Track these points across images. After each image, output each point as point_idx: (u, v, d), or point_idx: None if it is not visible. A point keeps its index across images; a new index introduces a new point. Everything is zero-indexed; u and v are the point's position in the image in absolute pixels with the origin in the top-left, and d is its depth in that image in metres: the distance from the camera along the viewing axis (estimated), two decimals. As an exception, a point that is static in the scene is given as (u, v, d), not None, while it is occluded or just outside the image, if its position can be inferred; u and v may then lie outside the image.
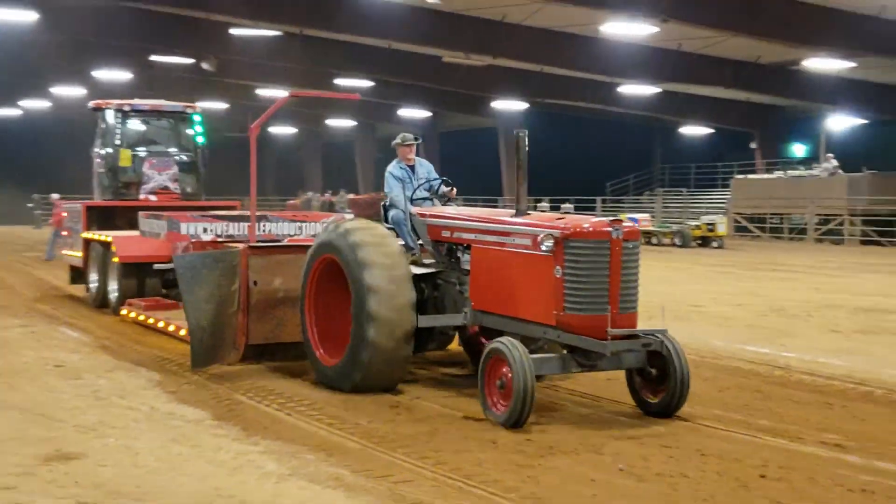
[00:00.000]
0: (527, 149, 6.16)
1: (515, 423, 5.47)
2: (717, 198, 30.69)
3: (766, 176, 28.08)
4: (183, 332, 7.97)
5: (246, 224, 8.94)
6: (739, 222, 26.55)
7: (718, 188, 31.90)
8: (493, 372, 5.73)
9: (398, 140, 7.71)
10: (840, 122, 29.48)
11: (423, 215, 7.12)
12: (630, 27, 19.13)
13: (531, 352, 5.77)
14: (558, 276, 5.69)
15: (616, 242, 5.68)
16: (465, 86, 28.87)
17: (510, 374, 5.49)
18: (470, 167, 34.50)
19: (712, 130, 34.58)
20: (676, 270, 16.97)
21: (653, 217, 26.87)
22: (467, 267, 6.64)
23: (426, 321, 6.58)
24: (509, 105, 31.98)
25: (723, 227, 23.13)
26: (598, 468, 4.77)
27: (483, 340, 6.96)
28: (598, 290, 5.64)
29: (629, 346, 5.70)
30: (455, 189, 7.69)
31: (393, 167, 7.53)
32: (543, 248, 5.69)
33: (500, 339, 5.78)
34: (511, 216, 6.39)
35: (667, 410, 5.85)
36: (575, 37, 21.60)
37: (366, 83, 29.96)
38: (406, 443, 5.22)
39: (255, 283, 7.32)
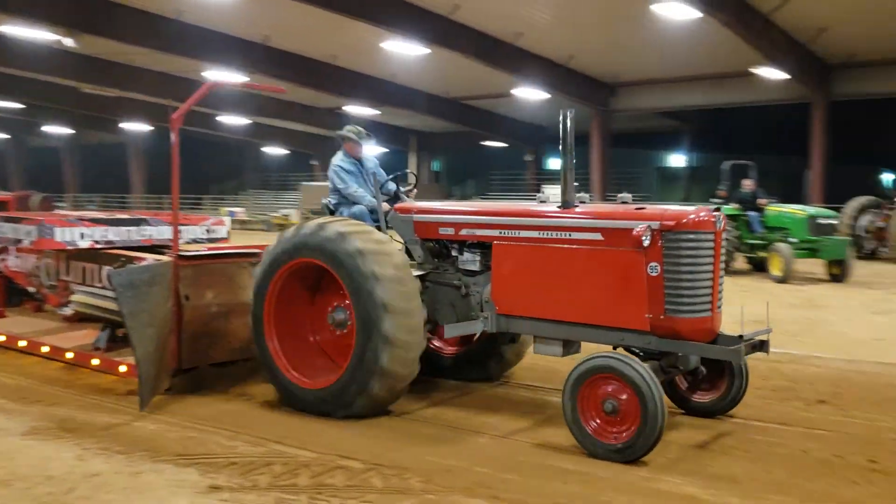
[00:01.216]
0: (570, 131, 5.32)
1: (644, 453, 4.64)
2: (290, 197, 41.23)
3: (323, 183, 39.29)
4: (96, 362, 6.61)
5: (126, 229, 7.72)
6: (308, 216, 37.28)
7: (291, 190, 42.69)
8: (595, 393, 4.80)
9: (348, 133, 6.79)
10: (372, 150, 43.35)
11: (406, 210, 6.16)
12: (228, 76, 26.20)
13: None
14: (654, 275, 4.92)
15: (718, 234, 5.03)
16: (100, 110, 36.28)
17: (631, 396, 4.63)
18: (107, 174, 47.72)
19: (287, 151, 45.95)
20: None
21: (246, 210, 37.86)
22: (470, 267, 5.88)
23: (452, 330, 5.60)
24: (137, 126, 40.09)
25: (296, 218, 33.07)
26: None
27: (435, 346, 6.64)
28: (704, 289, 4.96)
29: (747, 350, 5.05)
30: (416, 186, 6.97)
31: (341, 161, 6.72)
32: (645, 242, 4.83)
33: (603, 353, 4.88)
34: (557, 208, 5.46)
35: (719, 409, 5.54)
36: (185, 80, 29.21)
37: (17, 105, 37.05)
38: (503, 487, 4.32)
39: (186, 297, 6.17)
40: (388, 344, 5.32)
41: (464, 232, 5.88)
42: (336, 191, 6.75)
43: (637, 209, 5.25)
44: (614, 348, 5.25)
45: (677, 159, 43.76)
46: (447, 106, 32.95)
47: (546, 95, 26.87)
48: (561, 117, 5.37)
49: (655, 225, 4.96)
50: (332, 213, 6.75)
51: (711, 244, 5.03)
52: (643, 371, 4.65)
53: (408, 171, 7.11)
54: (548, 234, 5.43)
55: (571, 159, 5.40)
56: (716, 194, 16.32)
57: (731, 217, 15.11)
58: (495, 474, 4.54)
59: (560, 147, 5.42)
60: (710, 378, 5.58)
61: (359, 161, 6.88)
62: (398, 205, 6.41)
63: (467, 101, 33.04)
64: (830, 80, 23.96)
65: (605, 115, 28.98)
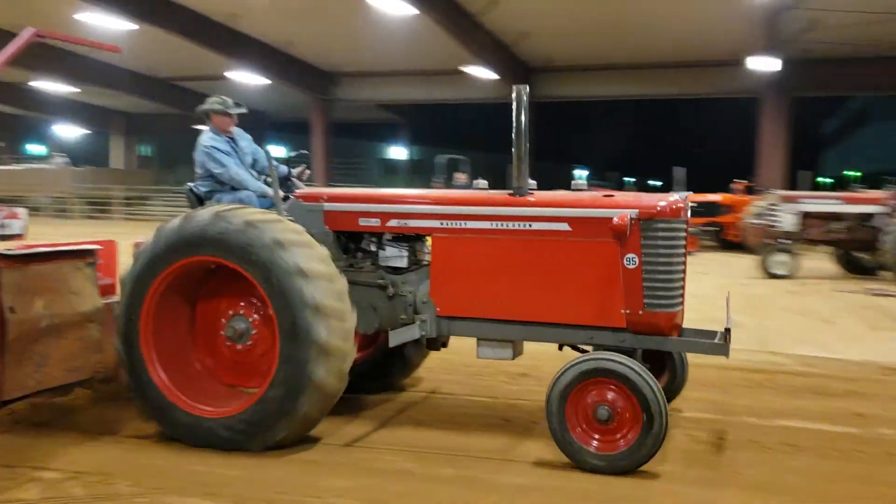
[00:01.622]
0: (525, 111, 4.77)
1: (647, 460, 4.31)
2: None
3: (13, 167, 34.74)
4: None
5: None
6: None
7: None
8: (584, 399, 4.40)
9: (216, 106, 5.81)
10: (69, 131, 39.11)
11: (312, 198, 5.26)
12: None
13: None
14: (632, 267, 4.55)
15: (687, 223, 4.79)
16: None
17: (630, 400, 4.28)
18: None
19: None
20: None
21: None
22: (395, 263, 5.16)
23: (396, 337, 4.84)
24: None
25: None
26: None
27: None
28: (679, 280, 4.68)
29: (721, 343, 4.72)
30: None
31: (213, 140, 5.72)
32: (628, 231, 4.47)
33: (598, 354, 4.47)
34: (510, 196, 4.90)
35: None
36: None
37: None
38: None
39: (11, 310, 4.75)
40: (323, 353, 4.48)
41: (393, 223, 5.09)
42: (209, 176, 5.72)
43: (605, 196, 4.88)
44: (569, 348, 5.00)
45: (398, 151, 45.01)
46: (156, 86, 30.90)
47: (265, 80, 26.14)
48: (514, 95, 4.72)
49: (634, 213, 4.56)
50: (201, 201, 5.70)
51: (685, 233, 4.75)
52: (643, 372, 4.29)
53: (302, 151, 6.23)
54: (502, 224, 4.83)
55: (525, 143, 4.82)
56: (431, 186, 17.00)
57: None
58: (213, 471, 4.35)
59: (513, 129, 4.77)
60: (654, 365, 5.13)
61: (231, 139, 5.90)
62: (300, 191, 5.47)
63: (179, 81, 31.22)
64: (532, 82, 26.01)
65: (326, 104, 28.96)
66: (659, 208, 4.60)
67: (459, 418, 5.39)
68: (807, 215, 14.65)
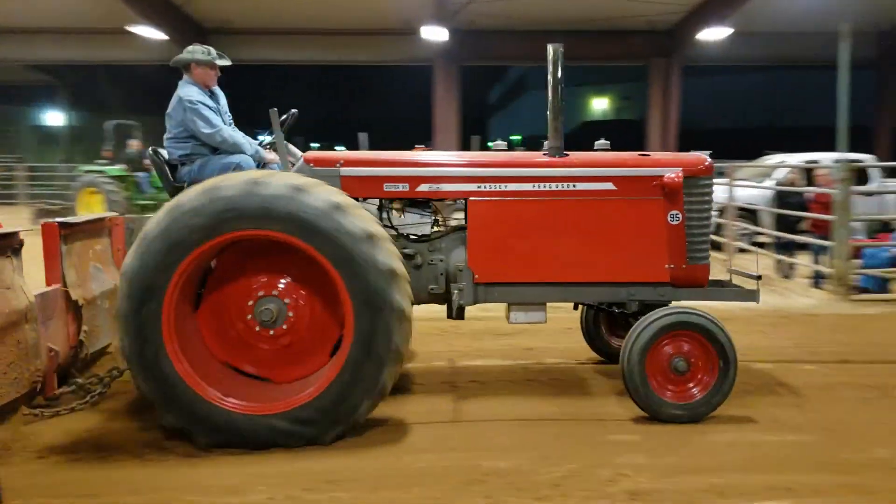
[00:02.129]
0: (560, 68, 4.77)
1: (719, 405, 4.64)
2: None
3: None
4: None
5: None
6: None
7: None
8: (663, 351, 4.63)
9: (200, 55, 5.21)
10: None
11: (325, 162, 4.77)
12: None
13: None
14: (676, 223, 4.77)
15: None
16: None
17: (709, 351, 4.59)
18: None
19: None
20: None
21: None
22: (417, 231, 4.99)
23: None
24: None
25: None
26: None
27: None
28: (709, 235, 4.95)
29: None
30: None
31: (195, 93, 5.12)
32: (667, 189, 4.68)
33: (680, 307, 4.67)
34: (547, 158, 4.90)
35: None
36: None
37: None
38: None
39: None
40: (401, 319, 4.17)
41: (423, 187, 4.81)
42: (189, 137, 5.04)
43: (641, 155, 5.04)
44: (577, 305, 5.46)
45: (56, 117, 40.41)
46: None
47: None
48: (550, 54, 4.76)
49: (679, 171, 4.76)
50: (172, 168, 5.05)
51: (713, 189, 5.00)
52: (718, 322, 4.60)
53: (294, 111, 5.39)
54: (545, 185, 4.80)
55: (560, 101, 4.81)
56: (101, 155, 15.90)
57: (119, 178, 15.23)
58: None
59: (549, 87, 4.77)
60: (625, 323, 5.46)
61: (212, 95, 5.23)
62: (309, 155, 4.87)
63: None
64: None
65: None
66: (704, 166, 4.89)
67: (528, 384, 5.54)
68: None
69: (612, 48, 23.53)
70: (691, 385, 4.70)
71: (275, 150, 5.24)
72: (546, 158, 4.96)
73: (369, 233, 4.19)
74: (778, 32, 23.15)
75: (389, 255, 4.22)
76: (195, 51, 5.28)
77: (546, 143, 5.11)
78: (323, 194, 4.21)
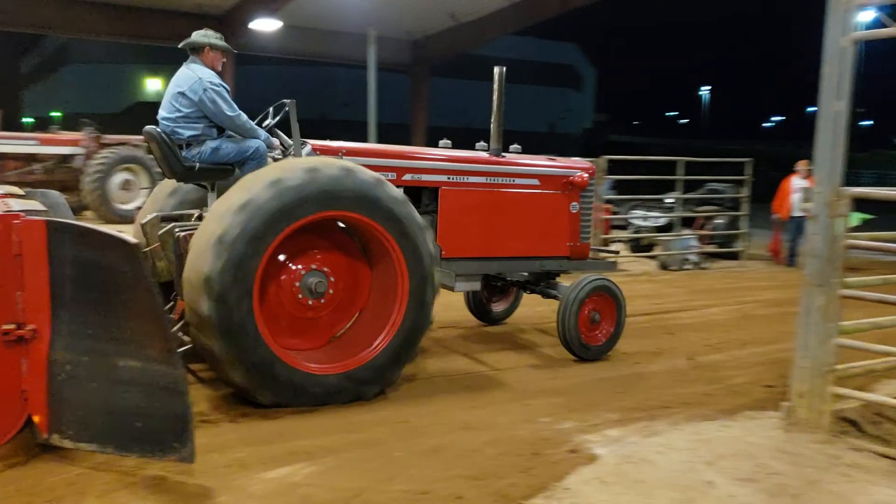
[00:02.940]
0: (502, 86, 6.14)
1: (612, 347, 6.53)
2: None
3: None
4: None
5: None
6: None
7: None
8: (585, 308, 6.30)
9: (215, 40, 5.34)
10: None
11: (333, 152, 5.42)
12: None
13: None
14: (574, 212, 6.61)
15: None
16: None
17: (610, 305, 6.42)
18: None
19: None
20: None
21: None
22: None
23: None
24: None
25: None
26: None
27: None
28: (590, 220, 6.84)
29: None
30: None
31: (216, 77, 5.25)
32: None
33: (594, 276, 6.37)
34: (488, 156, 6.30)
35: (505, 316, 7.72)
36: None
37: None
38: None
39: None
40: (434, 288, 5.23)
41: (408, 177, 5.83)
42: (201, 118, 5.19)
43: (549, 159, 6.73)
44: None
45: None
46: None
47: None
48: (496, 75, 6.14)
49: (584, 174, 6.58)
50: (170, 147, 5.17)
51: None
52: (619, 289, 6.49)
53: (286, 101, 5.50)
54: (494, 179, 6.20)
55: (502, 112, 6.24)
56: None
57: None
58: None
59: (493, 103, 6.19)
60: (502, 289, 7.44)
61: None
62: (316, 144, 5.55)
63: None
64: None
65: None
66: (593, 170, 6.82)
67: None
68: (2, 156, 13.84)
69: (159, 28, 22.46)
70: (598, 332, 6.46)
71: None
72: (494, 158, 6.32)
73: (412, 214, 5.09)
74: (325, 30, 24.52)
75: (425, 229, 5.18)
76: (210, 35, 5.38)
77: (478, 144, 6.70)
78: (377, 180, 4.97)
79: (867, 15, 5.17)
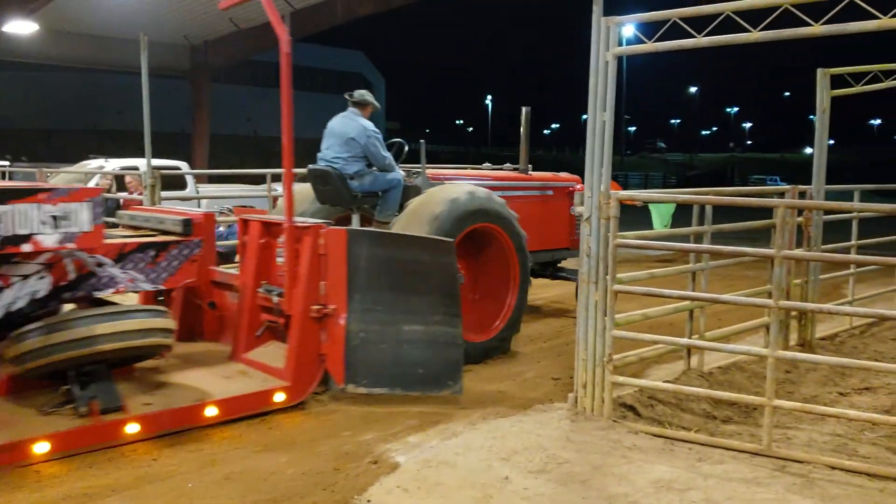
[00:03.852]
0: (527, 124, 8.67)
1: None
2: None
3: None
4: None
5: None
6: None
7: None
8: None
9: (373, 100, 7.02)
10: None
11: (437, 178, 7.51)
12: None
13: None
14: (572, 214, 8.53)
15: None
16: None
17: None
18: None
19: None
20: None
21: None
22: None
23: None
24: None
25: None
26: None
27: None
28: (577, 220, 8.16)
29: None
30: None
31: (372, 126, 6.88)
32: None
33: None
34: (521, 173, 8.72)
35: None
36: None
37: None
38: None
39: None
40: (529, 275, 7.36)
41: None
42: (362, 157, 6.79)
43: (553, 175, 9.04)
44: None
45: None
46: None
47: None
48: (523, 115, 8.58)
49: (578, 185, 8.56)
50: (343, 180, 6.74)
51: None
52: None
53: (397, 140, 7.53)
54: (527, 192, 8.37)
55: (528, 142, 8.68)
56: None
57: None
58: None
59: (522, 134, 8.67)
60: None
61: None
62: (428, 171, 7.39)
63: None
64: None
65: None
66: (580, 182, 8.37)
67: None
68: None
69: None
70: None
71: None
72: (525, 175, 8.63)
73: (503, 201, 6.99)
74: (93, 35, 22.89)
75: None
76: (368, 95, 6.96)
77: (484, 165, 9.30)
78: (487, 191, 6.88)
79: (629, 30, 5.65)
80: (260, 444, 4.72)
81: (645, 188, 55.19)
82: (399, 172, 7.03)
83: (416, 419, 5.19)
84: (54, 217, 4.45)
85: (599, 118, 5.01)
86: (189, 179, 14.48)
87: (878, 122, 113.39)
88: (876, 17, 4.11)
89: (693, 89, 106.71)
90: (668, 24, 4.68)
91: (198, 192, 14.14)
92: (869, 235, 8.59)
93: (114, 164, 13.59)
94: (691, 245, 5.85)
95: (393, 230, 6.51)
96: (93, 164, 14.43)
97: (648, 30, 4.82)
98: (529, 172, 8.78)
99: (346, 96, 6.97)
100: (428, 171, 7.43)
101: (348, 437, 4.85)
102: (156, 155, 9.49)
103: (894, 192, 8.79)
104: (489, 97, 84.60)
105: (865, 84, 7.21)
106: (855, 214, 8.03)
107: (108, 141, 28.98)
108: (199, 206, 13.71)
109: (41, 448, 4.28)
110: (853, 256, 7.58)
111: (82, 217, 4.55)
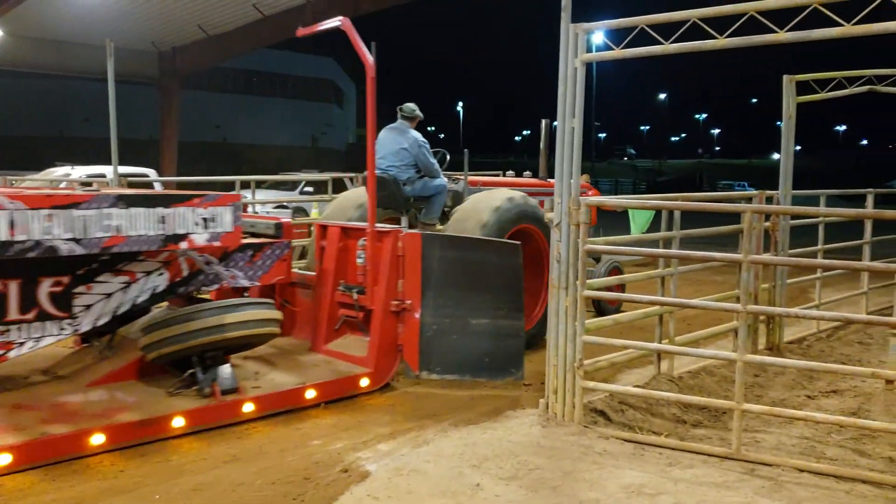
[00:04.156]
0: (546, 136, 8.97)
1: None
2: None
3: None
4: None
5: None
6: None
7: None
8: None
9: (420, 113, 7.76)
10: None
11: (474, 183, 8.13)
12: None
13: None
14: None
15: None
16: None
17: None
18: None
19: None
20: None
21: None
22: None
23: None
24: None
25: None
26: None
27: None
28: None
29: None
30: None
31: (421, 136, 7.63)
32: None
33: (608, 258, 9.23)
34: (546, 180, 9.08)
35: None
36: None
37: None
38: None
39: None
40: None
41: None
42: (413, 165, 7.50)
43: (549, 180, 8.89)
44: None
45: None
46: None
47: None
48: (543, 127, 8.90)
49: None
50: (398, 185, 7.40)
51: None
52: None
53: (440, 149, 8.28)
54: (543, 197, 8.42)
55: (547, 151, 8.95)
56: None
57: None
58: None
59: (542, 146, 9.09)
60: None
61: None
62: (470, 177, 8.03)
63: None
64: None
65: None
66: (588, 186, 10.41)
67: None
68: None
69: None
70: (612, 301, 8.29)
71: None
72: (548, 181, 8.75)
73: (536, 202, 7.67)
74: (59, 41, 22.58)
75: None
76: (416, 109, 7.68)
77: (525, 173, 10.10)
78: (525, 196, 7.53)
79: (600, 38, 5.67)
80: (228, 454, 4.65)
81: (615, 194, 55.57)
82: (444, 179, 7.74)
83: (388, 427, 5.16)
84: (205, 219, 5.13)
85: (568, 125, 5.02)
86: (157, 187, 14.34)
87: (844, 128, 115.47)
88: (839, 24, 4.18)
89: (662, 96, 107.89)
90: (635, 31, 4.71)
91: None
92: (835, 240, 8.73)
93: (80, 172, 13.41)
94: (660, 250, 5.89)
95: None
96: (59, 171, 14.23)
97: (618, 37, 4.84)
98: (547, 179, 9.29)
99: (398, 109, 7.69)
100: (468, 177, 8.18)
101: (318, 446, 4.80)
102: (123, 162, 9.38)
103: (859, 197, 8.91)
104: (460, 104, 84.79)
105: (830, 90, 7.33)
106: (821, 219, 8.15)
107: (75, 148, 28.54)
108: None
109: (178, 423, 4.90)
110: (819, 261, 7.69)
111: (226, 219, 5.24)
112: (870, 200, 8.60)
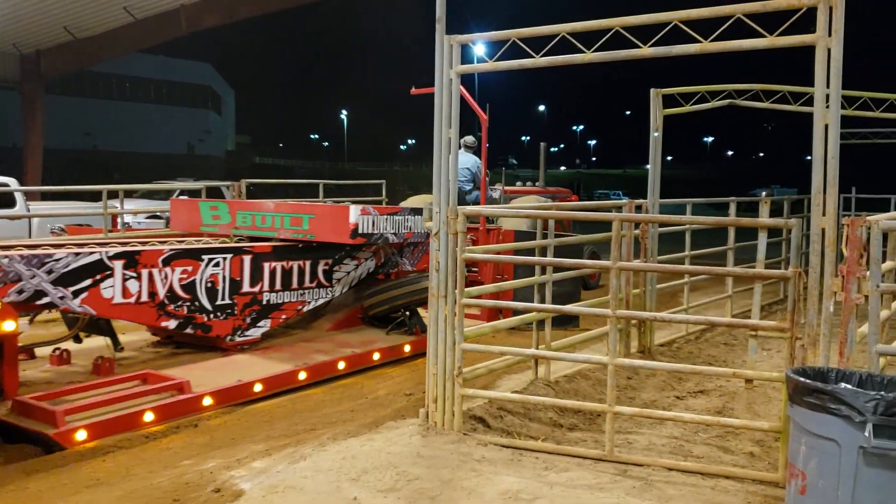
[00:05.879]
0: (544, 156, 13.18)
1: None
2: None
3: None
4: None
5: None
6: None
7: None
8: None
9: (475, 141, 10.56)
10: None
11: (509, 192, 12.37)
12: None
13: None
14: None
15: None
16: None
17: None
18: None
19: None
20: None
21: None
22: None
23: None
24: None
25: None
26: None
27: None
28: None
29: None
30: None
31: (478, 160, 10.24)
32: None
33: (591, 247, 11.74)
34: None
35: None
36: None
37: None
38: None
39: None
40: None
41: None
42: (472, 181, 10.38)
43: (557, 189, 13.52)
44: None
45: None
46: None
47: None
48: (542, 149, 12.84)
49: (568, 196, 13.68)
50: (463, 196, 9.85)
51: None
52: None
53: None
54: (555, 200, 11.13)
55: (545, 167, 13.43)
56: None
57: None
58: None
59: (542, 165, 13.12)
60: None
61: None
62: (506, 188, 12.13)
63: None
64: None
65: None
66: (571, 193, 14.53)
67: None
68: None
69: None
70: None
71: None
72: (545, 189, 12.68)
73: None
74: None
75: None
76: (474, 139, 10.59)
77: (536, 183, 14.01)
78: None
79: (481, 49, 5.74)
80: (91, 477, 4.39)
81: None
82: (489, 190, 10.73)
83: (263, 444, 5.00)
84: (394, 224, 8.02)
85: (445, 134, 5.05)
86: (18, 197, 13.50)
87: (711, 139, 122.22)
88: (698, 41, 4.38)
89: (541, 108, 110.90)
90: (507, 44, 4.79)
91: (28, 211, 13.21)
92: (702, 246, 9.17)
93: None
94: (535, 258, 6.00)
95: None
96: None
97: (496, 49, 4.91)
98: (546, 187, 13.12)
99: (461, 142, 9.57)
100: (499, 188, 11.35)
101: (189, 465, 4.60)
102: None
103: (725, 205, 9.41)
104: (344, 112, 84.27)
105: (694, 104, 7.71)
106: (687, 227, 8.55)
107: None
108: (29, 225, 12.89)
109: (406, 348, 7.74)
110: (686, 266, 8.05)
111: (405, 224, 8.13)
112: (732, 208, 9.10)
